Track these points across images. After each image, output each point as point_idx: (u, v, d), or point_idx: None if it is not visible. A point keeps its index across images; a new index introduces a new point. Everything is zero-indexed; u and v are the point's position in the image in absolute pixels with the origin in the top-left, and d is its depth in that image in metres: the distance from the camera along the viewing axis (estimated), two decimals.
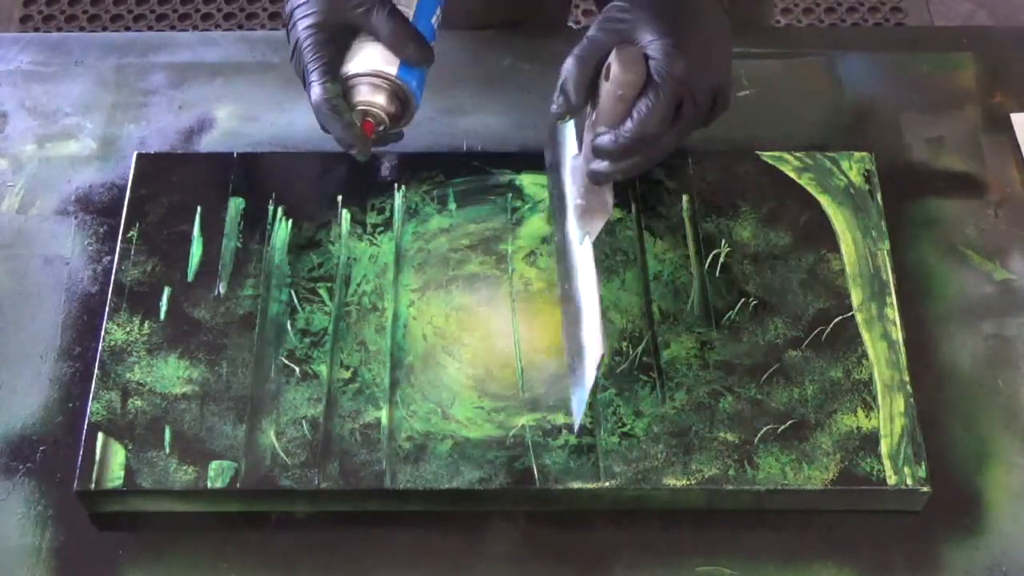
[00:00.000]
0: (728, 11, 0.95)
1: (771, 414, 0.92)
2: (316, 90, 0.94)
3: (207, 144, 1.10)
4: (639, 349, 0.95)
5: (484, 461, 0.90)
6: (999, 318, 1.00)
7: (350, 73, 0.96)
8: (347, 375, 0.94)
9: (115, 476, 0.89)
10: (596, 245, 1.00)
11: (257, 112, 1.13)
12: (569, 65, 0.91)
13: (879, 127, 1.11)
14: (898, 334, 0.95)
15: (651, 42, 0.89)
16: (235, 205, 1.03)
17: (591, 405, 0.92)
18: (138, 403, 0.92)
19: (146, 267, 0.99)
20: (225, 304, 0.97)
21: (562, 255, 0.97)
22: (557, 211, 1.00)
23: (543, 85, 1.14)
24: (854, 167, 1.04)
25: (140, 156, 1.06)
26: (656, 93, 0.88)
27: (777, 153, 1.06)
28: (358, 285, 0.98)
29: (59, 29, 2.13)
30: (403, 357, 0.94)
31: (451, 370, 0.94)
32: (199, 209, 1.02)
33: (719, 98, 0.93)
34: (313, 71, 0.94)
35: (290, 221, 1.02)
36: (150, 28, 2.15)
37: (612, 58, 0.89)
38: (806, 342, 0.95)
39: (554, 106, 0.92)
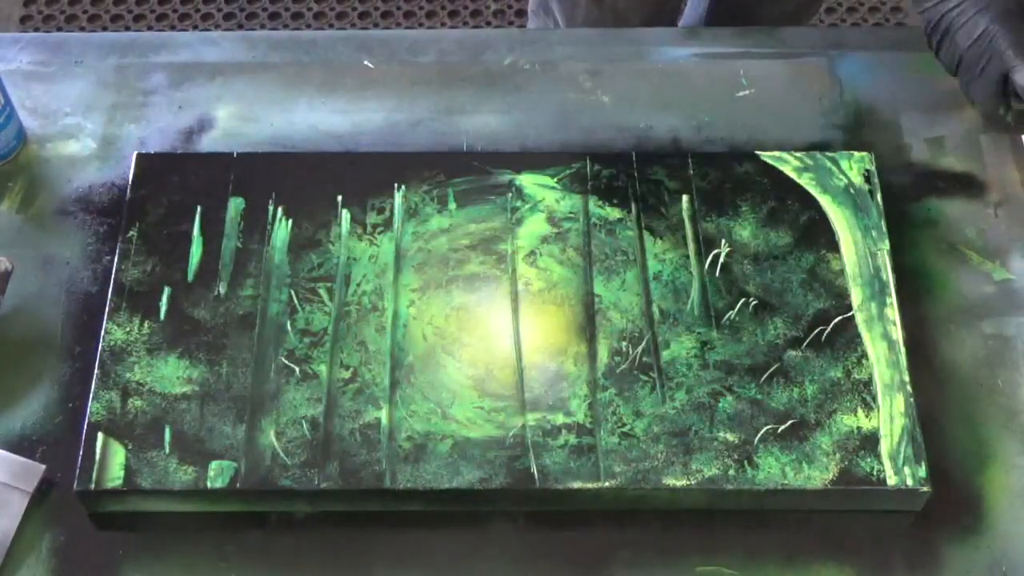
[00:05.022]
0: None
1: (771, 414, 0.92)
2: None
3: (207, 144, 1.10)
4: (639, 349, 0.95)
5: (484, 461, 0.90)
6: (999, 318, 1.00)
7: None
8: (347, 375, 0.94)
9: (115, 476, 0.89)
10: (596, 245, 1.00)
11: (257, 112, 1.13)
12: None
13: (879, 127, 1.11)
14: (898, 334, 0.95)
15: None
16: (235, 205, 1.03)
17: (591, 405, 0.92)
18: (138, 403, 0.92)
19: (146, 267, 0.99)
20: (225, 304, 0.97)
21: None
22: None
23: (543, 85, 1.15)
24: (854, 167, 1.04)
25: (140, 156, 1.06)
26: None
27: (777, 153, 1.06)
28: (358, 285, 0.98)
29: (59, 29, 2.13)
30: (403, 357, 0.94)
31: (451, 370, 0.94)
32: (199, 209, 1.02)
33: None
34: None
35: (290, 221, 1.02)
36: (150, 28, 2.15)
37: None
38: (806, 342, 0.95)
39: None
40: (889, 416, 0.91)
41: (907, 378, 0.93)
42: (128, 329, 0.96)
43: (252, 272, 0.99)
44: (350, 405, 0.92)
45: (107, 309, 0.97)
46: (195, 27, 2.15)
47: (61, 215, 1.06)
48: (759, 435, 0.91)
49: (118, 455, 0.90)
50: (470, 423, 0.92)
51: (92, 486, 0.89)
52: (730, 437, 0.91)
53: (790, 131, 1.11)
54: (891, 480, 0.89)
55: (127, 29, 2.14)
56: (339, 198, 1.03)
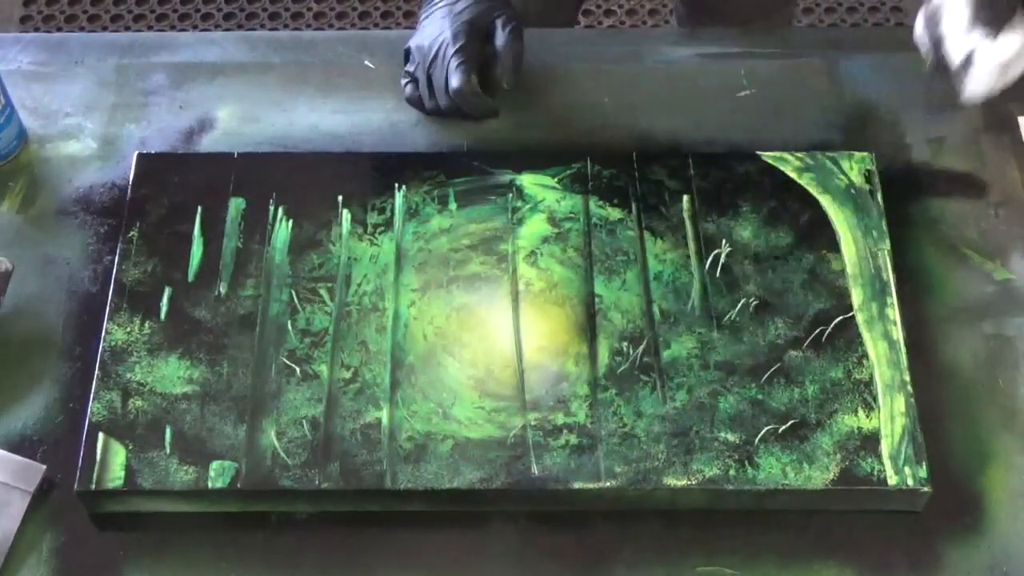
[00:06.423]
0: None
1: (772, 414, 0.92)
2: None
3: (208, 144, 1.10)
4: (640, 349, 0.95)
5: (485, 461, 0.90)
6: (999, 318, 1.00)
7: None
8: (348, 375, 0.94)
9: (115, 476, 0.89)
10: (597, 245, 1.00)
11: (257, 112, 1.13)
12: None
13: (879, 127, 1.11)
14: (899, 334, 0.95)
15: None
16: (236, 205, 1.03)
17: (592, 405, 0.92)
18: (139, 403, 0.92)
19: (147, 267, 0.99)
20: (226, 304, 0.97)
21: None
22: None
23: (543, 85, 1.15)
24: (855, 167, 1.04)
25: (141, 156, 1.06)
26: None
27: (777, 153, 1.06)
28: (359, 285, 0.98)
29: (59, 29, 2.13)
30: (404, 357, 0.94)
31: (452, 370, 0.94)
32: (199, 209, 1.02)
33: None
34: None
35: (291, 221, 1.02)
36: (150, 28, 2.15)
37: None
38: (807, 342, 0.95)
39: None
40: (890, 416, 0.91)
41: (908, 378, 0.93)
42: (129, 329, 0.96)
43: (253, 272, 0.99)
44: (351, 405, 0.92)
45: (108, 309, 0.97)
46: (195, 27, 2.15)
47: (62, 215, 1.06)
48: (760, 435, 0.91)
49: (119, 455, 0.90)
50: (471, 423, 0.92)
51: (93, 486, 0.89)
52: (731, 437, 0.91)
53: (790, 131, 1.11)
54: (892, 480, 0.89)
55: (127, 29, 2.14)
56: (339, 198, 1.03)
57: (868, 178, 1.04)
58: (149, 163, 1.05)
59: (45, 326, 0.99)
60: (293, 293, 0.98)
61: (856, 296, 0.97)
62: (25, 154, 1.10)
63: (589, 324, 0.96)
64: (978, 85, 0.86)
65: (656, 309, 0.97)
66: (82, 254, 1.03)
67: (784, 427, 0.91)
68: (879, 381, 0.93)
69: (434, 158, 1.07)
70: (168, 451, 0.90)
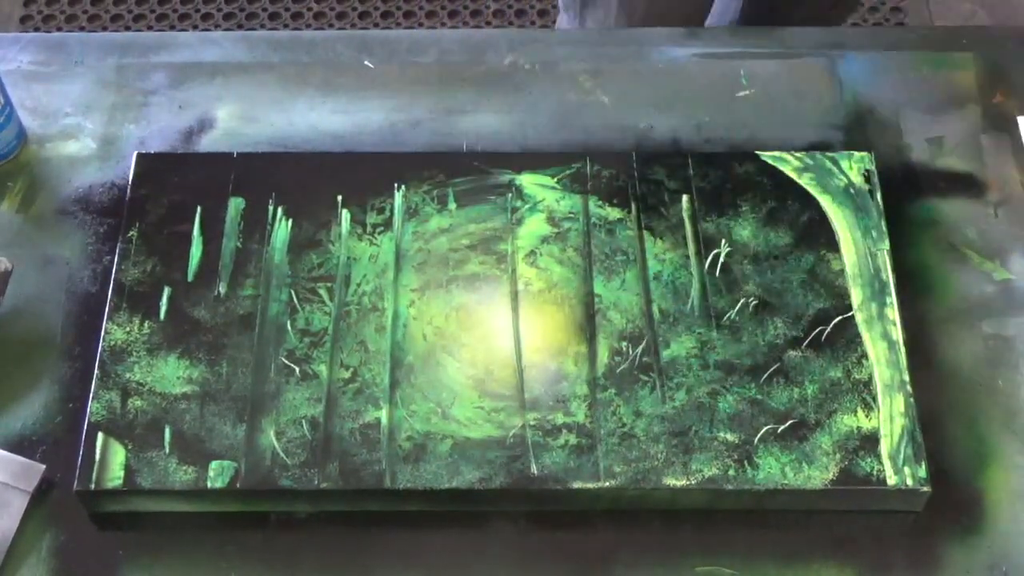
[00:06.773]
0: None
1: (771, 414, 0.92)
2: None
3: (207, 144, 1.10)
4: (639, 349, 0.95)
5: (484, 461, 0.90)
6: (999, 318, 1.00)
7: None
8: (347, 375, 0.94)
9: (115, 476, 0.89)
10: (596, 245, 1.00)
11: (257, 112, 1.13)
12: None
13: (879, 127, 1.11)
14: (898, 334, 0.95)
15: None
16: (235, 205, 1.03)
17: (591, 405, 0.92)
18: (138, 403, 0.92)
19: (146, 267, 0.99)
20: (225, 304, 0.97)
21: None
22: None
23: (543, 85, 1.15)
24: (854, 167, 1.04)
25: (140, 156, 1.06)
26: None
27: (777, 153, 1.06)
28: (358, 285, 0.98)
29: (59, 29, 2.13)
30: (403, 357, 0.94)
31: (451, 370, 0.94)
32: (199, 209, 1.02)
33: None
34: None
35: (290, 221, 1.02)
36: (150, 28, 2.15)
37: None
38: (806, 342, 0.95)
39: None
40: (889, 416, 0.91)
41: (907, 378, 0.93)
42: (128, 329, 0.96)
43: (252, 272, 0.99)
44: (350, 405, 0.92)
45: (107, 309, 0.97)
46: (195, 27, 2.15)
47: (61, 215, 1.06)
48: (759, 435, 0.91)
49: (118, 455, 0.90)
50: (470, 423, 0.92)
51: (92, 486, 0.89)
52: (730, 437, 0.91)
53: (790, 131, 1.11)
54: (891, 480, 0.89)
55: (127, 29, 2.14)
56: (339, 198, 1.03)
57: (867, 178, 1.04)
58: (148, 163, 1.05)
59: (45, 326, 0.99)
60: (292, 293, 0.98)
61: (855, 296, 0.97)
62: (25, 154, 1.10)
63: (588, 324, 0.96)
64: None
65: (655, 309, 0.97)
66: (81, 254, 1.03)
67: (783, 427, 0.91)
68: (878, 381, 0.93)
69: (433, 158, 1.07)
70: (167, 451, 0.90)
